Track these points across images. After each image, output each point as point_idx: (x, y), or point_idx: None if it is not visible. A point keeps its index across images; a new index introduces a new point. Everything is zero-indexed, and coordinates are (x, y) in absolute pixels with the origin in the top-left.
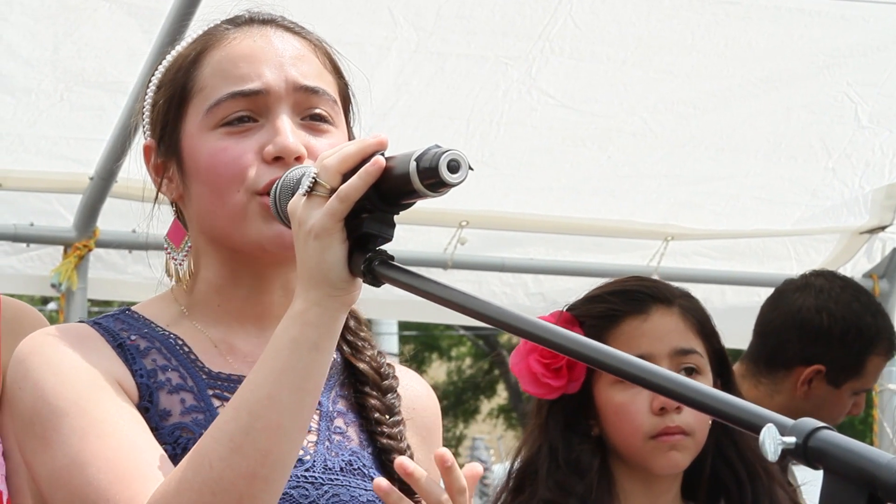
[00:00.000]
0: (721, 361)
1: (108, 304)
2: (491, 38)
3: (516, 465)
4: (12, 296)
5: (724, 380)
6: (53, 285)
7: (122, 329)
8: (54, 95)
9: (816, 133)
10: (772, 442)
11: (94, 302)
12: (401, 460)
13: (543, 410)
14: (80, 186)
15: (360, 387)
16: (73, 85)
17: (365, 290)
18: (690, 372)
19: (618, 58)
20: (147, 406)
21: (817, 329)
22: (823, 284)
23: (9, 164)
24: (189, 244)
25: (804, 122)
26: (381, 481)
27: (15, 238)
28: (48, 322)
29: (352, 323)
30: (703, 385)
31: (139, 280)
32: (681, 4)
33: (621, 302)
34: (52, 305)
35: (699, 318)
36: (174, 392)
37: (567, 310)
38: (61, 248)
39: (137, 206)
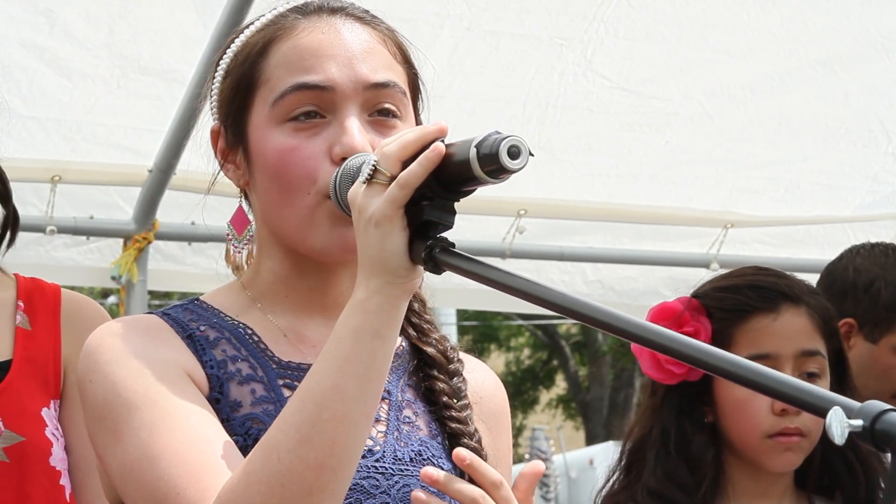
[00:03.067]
0: (839, 360)
1: (168, 295)
2: (545, 17)
3: (628, 444)
4: (73, 288)
5: (840, 376)
6: (114, 278)
7: (191, 320)
8: (111, 82)
9: (876, 116)
10: (838, 425)
11: (154, 294)
12: (457, 451)
13: (659, 392)
14: (140, 179)
15: (428, 370)
16: (129, 71)
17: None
18: (811, 376)
19: (673, 37)
20: (218, 397)
21: (843, 283)
22: (862, 247)
23: (68, 156)
24: (251, 233)
25: (864, 106)
26: (430, 471)
27: (75, 231)
28: (108, 314)
29: (416, 306)
30: (770, 369)
31: (199, 271)
32: None
33: (753, 297)
34: (112, 299)
35: (825, 317)
36: (244, 383)
37: (694, 296)
38: (121, 240)
39: (196, 199)
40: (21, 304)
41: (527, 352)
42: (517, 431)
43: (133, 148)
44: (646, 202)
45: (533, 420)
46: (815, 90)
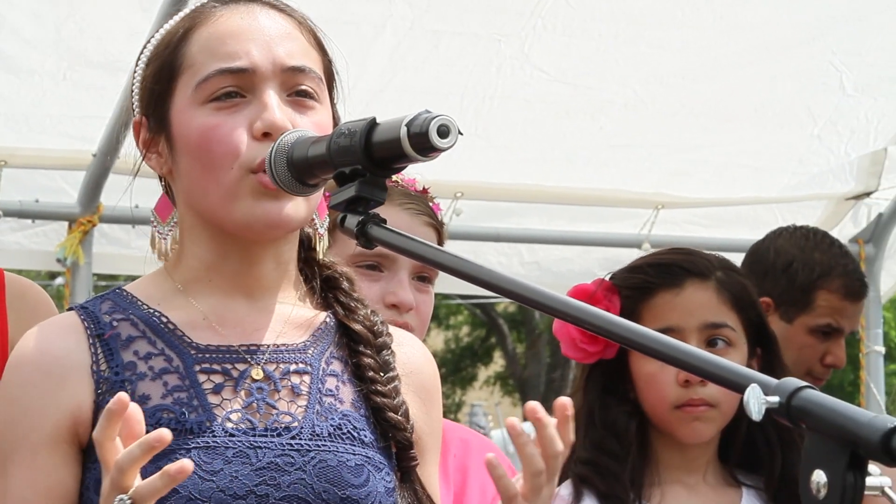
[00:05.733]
0: (760, 332)
1: (113, 277)
2: (485, 16)
3: None
4: (19, 271)
5: (766, 349)
6: (59, 260)
7: (107, 312)
8: (57, 75)
9: (802, 101)
10: (755, 401)
11: (99, 276)
12: (531, 405)
13: (584, 374)
14: (84, 163)
15: (355, 346)
16: (75, 65)
17: None
18: (715, 343)
19: (609, 34)
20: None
21: (764, 263)
22: (785, 230)
23: (14, 143)
24: (175, 220)
25: (790, 91)
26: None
27: (20, 214)
28: (50, 298)
29: (345, 284)
30: (692, 347)
31: (143, 254)
32: None
33: (656, 275)
34: (59, 280)
35: (736, 291)
36: (156, 378)
37: (609, 278)
38: (66, 223)
39: (141, 182)
40: None
41: (465, 329)
42: (457, 407)
43: (78, 135)
44: (580, 185)
45: (472, 396)
46: (743, 76)
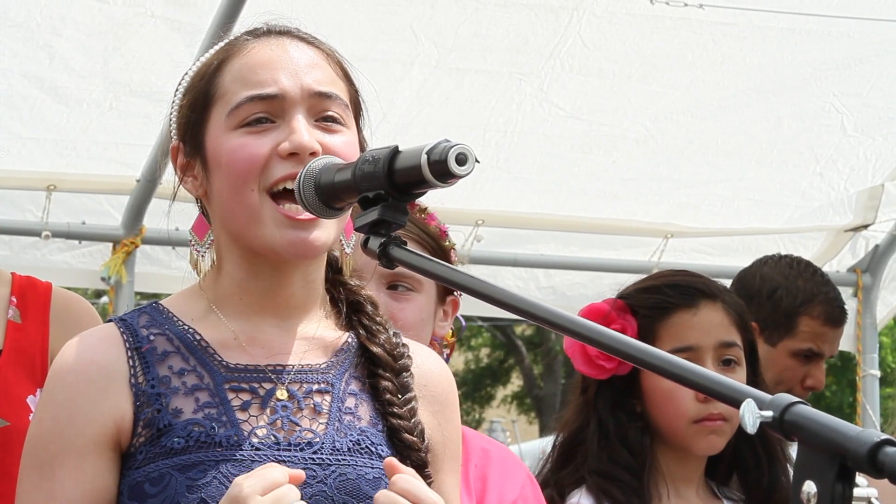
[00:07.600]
0: (752, 350)
1: (154, 296)
2: (506, 56)
3: (560, 438)
4: (66, 289)
5: (752, 368)
6: (103, 279)
7: (145, 326)
8: (104, 105)
9: (805, 140)
10: (751, 415)
11: (141, 295)
12: (389, 461)
13: (591, 389)
14: (128, 188)
15: (374, 369)
16: (121, 95)
17: None
18: (729, 363)
19: (623, 74)
20: (159, 408)
21: (749, 289)
22: (771, 258)
23: (62, 168)
24: (211, 238)
25: (794, 130)
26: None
27: (68, 235)
28: (96, 311)
29: (369, 308)
30: (691, 364)
31: (182, 274)
32: (681, 26)
33: (674, 295)
34: (104, 298)
35: (739, 312)
36: (189, 393)
37: (619, 297)
38: (110, 244)
39: (181, 206)
40: (14, 299)
41: (486, 351)
42: (476, 424)
43: (123, 161)
44: (594, 214)
45: (491, 414)
46: (750, 115)
